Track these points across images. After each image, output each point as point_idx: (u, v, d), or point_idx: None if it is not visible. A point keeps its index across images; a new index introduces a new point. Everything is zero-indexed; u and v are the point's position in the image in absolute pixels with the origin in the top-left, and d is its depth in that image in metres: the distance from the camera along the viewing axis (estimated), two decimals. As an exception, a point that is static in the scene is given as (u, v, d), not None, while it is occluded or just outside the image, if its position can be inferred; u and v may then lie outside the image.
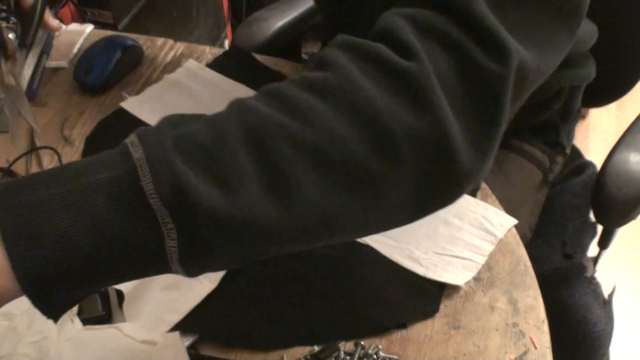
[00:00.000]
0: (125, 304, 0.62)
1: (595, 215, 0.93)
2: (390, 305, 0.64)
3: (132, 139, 0.39)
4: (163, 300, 0.63)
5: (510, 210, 0.75)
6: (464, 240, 0.69)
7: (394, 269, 0.67)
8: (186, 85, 0.88)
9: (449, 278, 0.66)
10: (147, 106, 0.85)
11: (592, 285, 0.93)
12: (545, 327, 0.62)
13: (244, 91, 0.87)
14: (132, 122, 0.83)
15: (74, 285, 0.37)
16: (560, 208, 0.96)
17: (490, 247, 0.69)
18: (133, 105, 0.85)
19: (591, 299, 0.92)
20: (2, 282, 0.36)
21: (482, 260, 0.68)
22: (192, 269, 0.40)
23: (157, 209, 0.37)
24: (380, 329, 0.63)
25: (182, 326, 0.61)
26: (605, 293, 0.94)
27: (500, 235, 0.70)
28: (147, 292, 0.63)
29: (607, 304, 0.93)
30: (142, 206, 0.37)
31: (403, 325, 0.62)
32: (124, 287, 0.63)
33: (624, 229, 1.04)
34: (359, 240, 0.69)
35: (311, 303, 0.64)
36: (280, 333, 0.62)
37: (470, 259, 0.68)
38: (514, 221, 0.72)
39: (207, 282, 0.64)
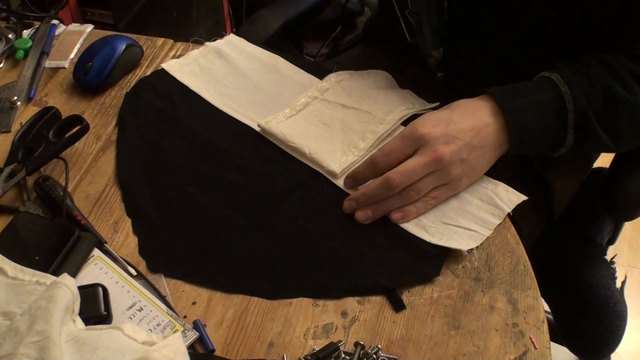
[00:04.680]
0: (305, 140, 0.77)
1: (607, 208, 0.93)
2: (392, 266, 0.66)
3: (556, 77, 0.72)
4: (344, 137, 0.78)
5: None
6: (472, 213, 0.71)
7: (400, 234, 0.69)
8: (225, 52, 0.92)
9: (453, 244, 0.68)
10: (187, 69, 0.89)
11: (611, 269, 0.94)
12: (545, 327, 0.62)
13: (280, 62, 0.90)
14: (171, 83, 0.88)
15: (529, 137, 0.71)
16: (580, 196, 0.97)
17: (497, 221, 0.70)
18: (173, 67, 0.90)
19: (610, 281, 0.93)
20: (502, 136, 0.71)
21: (487, 232, 0.70)
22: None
23: (570, 121, 0.71)
24: (380, 289, 0.65)
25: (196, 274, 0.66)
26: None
27: (508, 210, 0.71)
28: (328, 139, 0.78)
29: (621, 291, 0.94)
30: (564, 114, 0.71)
31: (401, 306, 0.63)
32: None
33: (625, 229, 1.04)
34: None
35: (316, 257, 0.68)
36: (285, 283, 0.66)
37: (476, 231, 0.69)
38: (524, 197, 0.73)
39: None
